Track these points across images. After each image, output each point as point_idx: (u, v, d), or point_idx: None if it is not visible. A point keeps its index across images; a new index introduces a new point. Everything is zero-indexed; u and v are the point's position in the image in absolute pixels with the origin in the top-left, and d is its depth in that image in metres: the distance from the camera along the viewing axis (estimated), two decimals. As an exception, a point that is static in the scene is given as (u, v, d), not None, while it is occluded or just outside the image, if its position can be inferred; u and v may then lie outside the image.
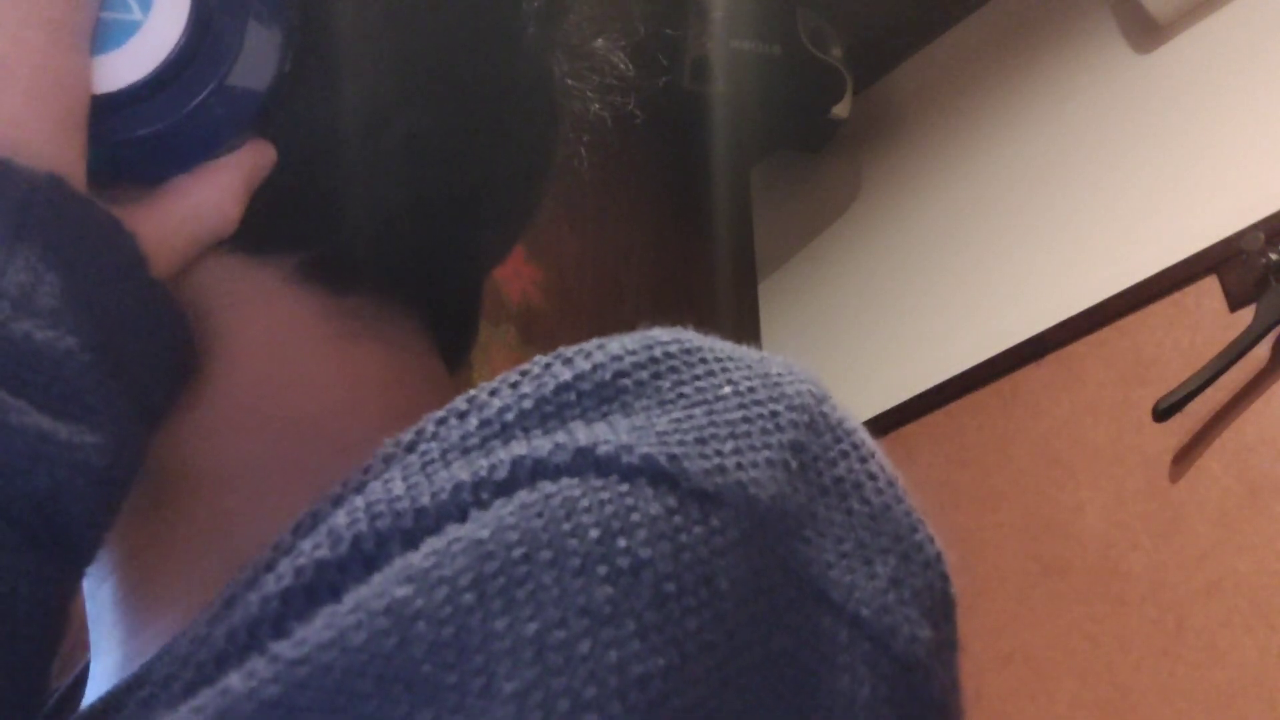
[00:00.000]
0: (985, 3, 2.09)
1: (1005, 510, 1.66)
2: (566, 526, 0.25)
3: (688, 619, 0.24)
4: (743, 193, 2.33)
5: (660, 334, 0.31)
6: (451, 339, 0.43)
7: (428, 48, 0.40)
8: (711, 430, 0.28)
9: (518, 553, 0.24)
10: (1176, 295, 1.61)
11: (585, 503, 0.25)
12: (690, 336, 0.31)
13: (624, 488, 0.26)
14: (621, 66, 0.47)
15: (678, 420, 0.28)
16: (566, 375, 0.29)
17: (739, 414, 0.29)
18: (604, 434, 0.27)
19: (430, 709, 0.22)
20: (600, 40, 0.47)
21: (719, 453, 0.27)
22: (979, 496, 1.69)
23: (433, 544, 0.25)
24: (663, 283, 2.04)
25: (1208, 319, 1.57)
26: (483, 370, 1.56)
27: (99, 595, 0.38)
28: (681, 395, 0.29)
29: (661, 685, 0.23)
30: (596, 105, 0.47)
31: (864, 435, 0.31)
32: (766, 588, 0.26)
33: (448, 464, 0.27)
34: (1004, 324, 1.78)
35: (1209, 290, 1.58)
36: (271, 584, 0.26)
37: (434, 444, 0.28)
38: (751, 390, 0.30)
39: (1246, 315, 1.51)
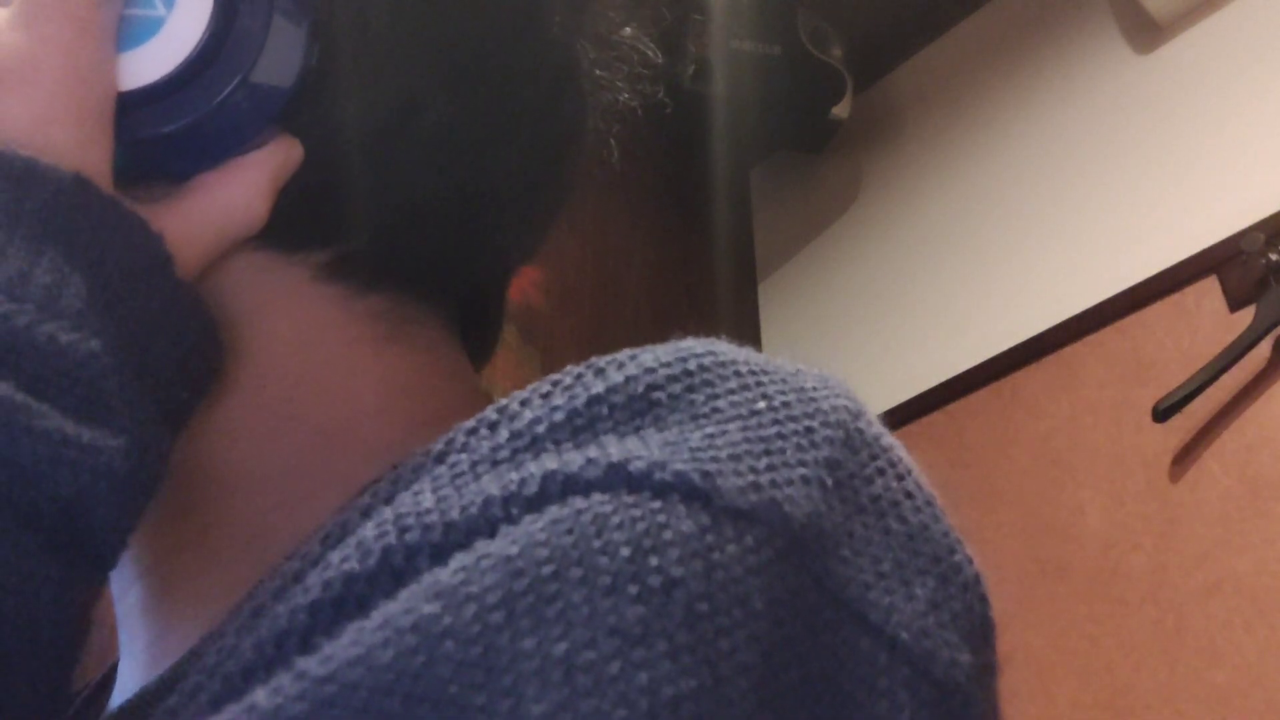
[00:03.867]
0: (985, 3, 2.09)
1: (1005, 510, 1.66)
2: (597, 544, 0.24)
3: (721, 640, 0.24)
4: (743, 193, 2.33)
5: (694, 345, 0.30)
6: (476, 337, 0.43)
7: (453, 40, 0.39)
8: (746, 446, 0.27)
9: (547, 570, 0.24)
10: (1176, 296, 1.61)
11: (617, 520, 0.25)
12: (724, 348, 0.31)
13: (656, 505, 0.25)
14: (650, 55, 0.46)
15: (711, 435, 0.27)
16: (599, 387, 0.28)
17: (773, 430, 0.28)
18: (636, 449, 0.26)
19: None
20: (629, 29, 0.46)
21: (753, 469, 0.27)
22: (979, 496, 1.68)
23: (461, 560, 0.24)
24: (663, 283, 2.04)
25: (1208, 319, 1.57)
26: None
27: (128, 598, 0.38)
28: (715, 410, 0.28)
29: (694, 708, 0.23)
30: (625, 95, 0.46)
31: (901, 452, 0.31)
32: (804, 609, 0.26)
33: (477, 476, 0.27)
34: (1004, 324, 1.78)
35: (1209, 291, 1.58)
36: (300, 596, 0.25)
37: (464, 455, 0.28)
38: (786, 405, 0.29)
39: (1246, 316, 1.51)
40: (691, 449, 0.27)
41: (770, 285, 2.20)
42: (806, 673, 0.25)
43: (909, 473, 0.30)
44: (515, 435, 0.28)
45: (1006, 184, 1.91)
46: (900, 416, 1.81)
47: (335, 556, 0.26)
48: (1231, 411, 1.50)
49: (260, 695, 0.23)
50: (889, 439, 0.31)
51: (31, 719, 0.27)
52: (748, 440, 0.28)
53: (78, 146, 0.32)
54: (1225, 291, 1.56)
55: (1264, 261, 1.49)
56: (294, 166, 0.37)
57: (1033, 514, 1.63)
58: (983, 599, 0.30)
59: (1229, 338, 1.49)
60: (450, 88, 0.39)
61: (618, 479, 0.26)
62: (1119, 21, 1.87)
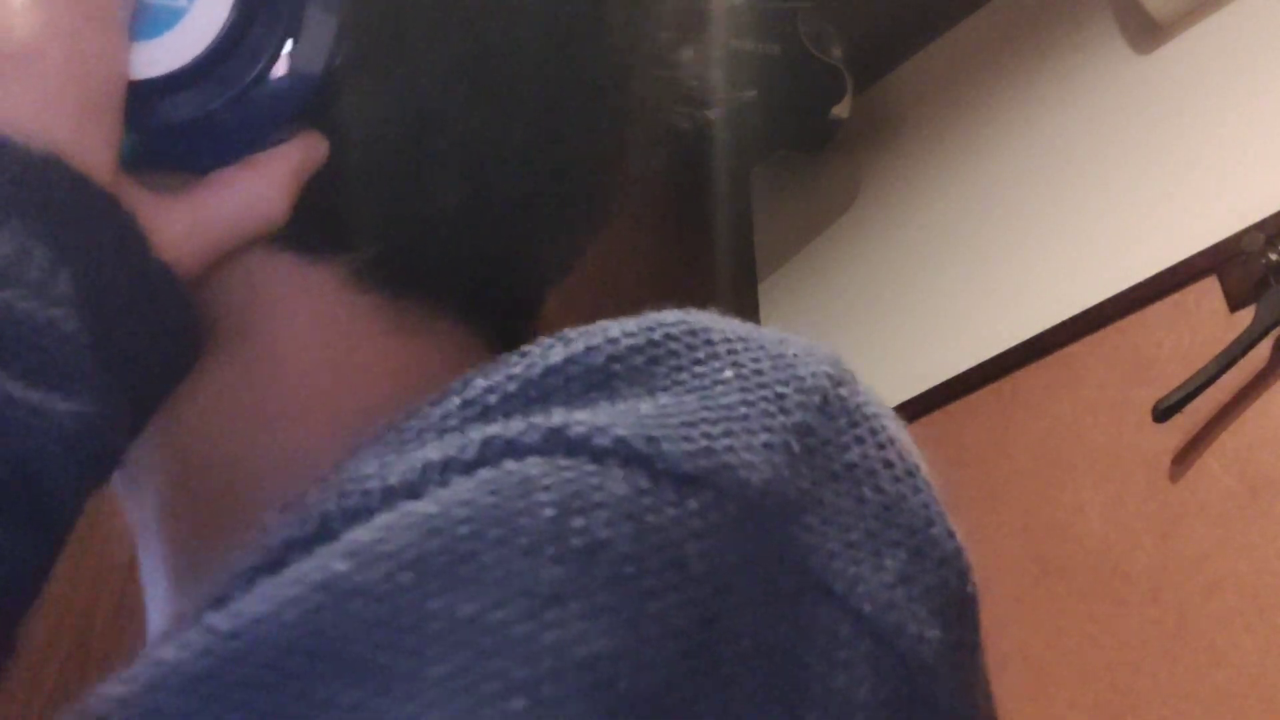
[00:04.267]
0: (985, 3, 2.09)
1: (1005, 510, 1.66)
2: (521, 505, 0.24)
3: (649, 601, 0.23)
4: (743, 193, 2.33)
5: (666, 316, 0.30)
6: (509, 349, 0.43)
7: (488, 50, 0.39)
8: (704, 414, 0.26)
9: (464, 530, 0.23)
10: (1176, 295, 1.61)
11: (546, 481, 0.24)
12: (699, 318, 0.30)
13: (591, 468, 0.25)
14: (703, 78, 0.46)
15: (665, 405, 0.27)
16: (557, 358, 0.28)
17: (738, 397, 0.27)
18: (581, 417, 0.26)
19: (357, 691, 0.21)
20: (686, 51, 0.45)
21: (707, 435, 0.26)
22: (979, 496, 1.68)
23: (382, 519, 0.24)
24: (663, 283, 2.04)
25: (1208, 319, 1.57)
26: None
27: (155, 590, 0.38)
28: (677, 381, 0.28)
29: (610, 668, 0.22)
30: (676, 117, 0.46)
31: (886, 421, 0.30)
32: (759, 576, 0.25)
33: (423, 444, 0.26)
34: (1004, 324, 1.78)
35: (1209, 291, 1.58)
36: (240, 562, 0.25)
37: (414, 423, 0.27)
38: (758, 373, 0.28)
39: (1246, 316, 1.50)
40: (640, 416, 0.26)
41: (770, 285, 2.20)
42: (760, 642, 0.24)
43: (891, 442, 0.30)
44: (467, 404, 0.27)
45: (1006, 184, 1.90)
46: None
47: (278, 522, 0.26)
48: (1231, 411, 1.50)
49: (168, 649, 0.23)
50: (875, 408, 0.30)
51: None
52: (706, 408, 0.27)
53: (75, 133, 0.32)
54: (1225, 291, 1.56)
55: (1264, 261, 1.49)
56: (317, 164, 0.37)
57: (1033, 514, 1.63)
58: (961, 574, 0.29)
59: (1229, 338, 1.49)
60: (481, 98, 0.39)
61: (556, 443, 0.25)
62: (1119, 21, 1.87)
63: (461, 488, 0.24)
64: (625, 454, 0.25)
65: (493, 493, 0.24)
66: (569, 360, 0.28)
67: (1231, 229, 1.56)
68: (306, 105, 0.36)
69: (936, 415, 1.79)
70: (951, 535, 0.29)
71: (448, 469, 0.25)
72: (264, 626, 0.22)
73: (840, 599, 0.26)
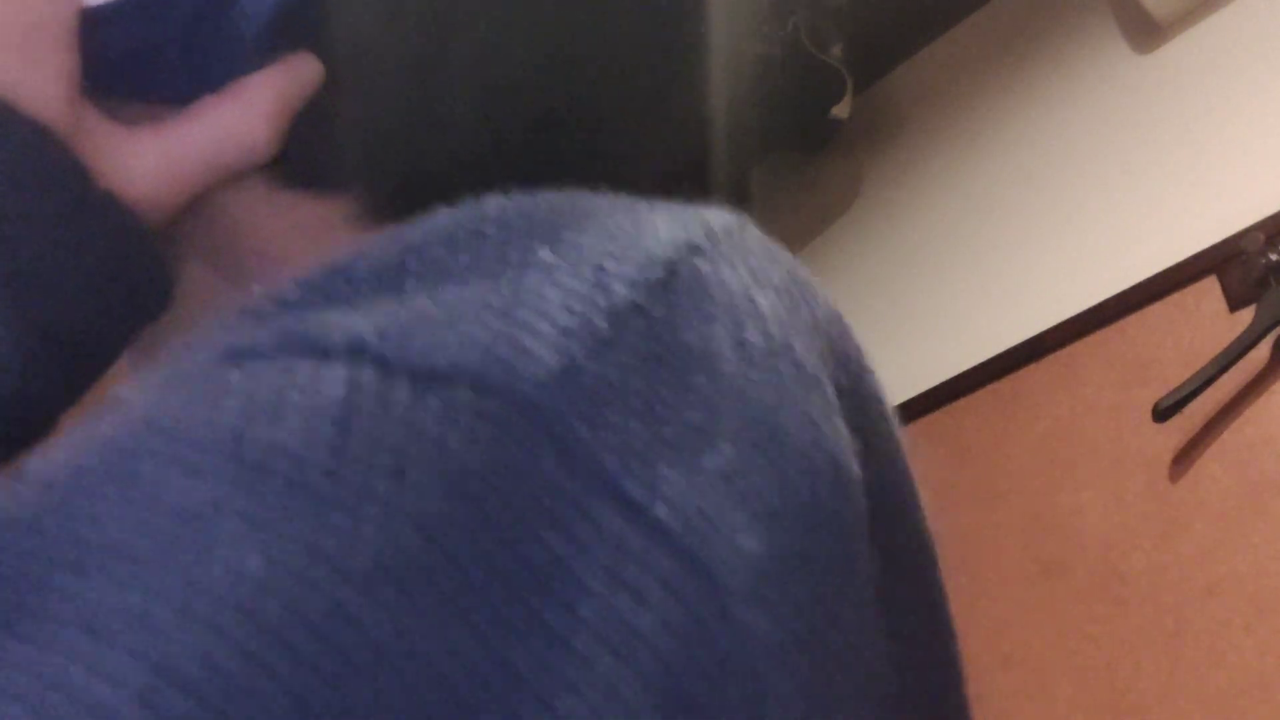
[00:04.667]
0: (985, 3, 2.09)
1: (1005, 510, 1.66)
2: (201, 414, 0.21)
3: (332, 513, 0.20)
4: (743, 193, 2.32)
5: (505, 199, 0.26)
6: None
7: None
8: (487, 302, 0.23)
9: (130, 443, 0.21)
10: (1176, 296, 1.61)
11: (245, 386, 0.21)
12: (546, 197, 0.26)
13: (305, 367, 0.22)
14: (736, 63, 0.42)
15: (444, 298, 0.23)
16: (373, 252, 0.25)
17: (542, 278, 0.24)
18: (333, 316, 0.23)
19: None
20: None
21: (482, 325, 0.22)
22: (979, 496, 1.68)
23: (72, 439, 0.22)
24: (663, 283, 2.03)
25: (1208, 319, 1.57)
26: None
27: None
28: (476, 269, 0.24)
29: (253, 592, 0.19)
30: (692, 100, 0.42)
31: (755, 295, 0.26)
32: (528, 484, 0.21)
33: (193, 355, 0.24)
34: (1004, 324, 1.78)
35: (1209, 291, 1.58)
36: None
37: (265, 302, 0.25)
38: (582, 248, 0.25)
39: (1246, 316, 1.50)
40: (404, 311, 0.23)
41: (770, 285, 2.20)
42: (521, 561, 0.21)
43: (755, 319, 0.25)
44: (306, 285, 0.25)
45: (1006, 184, 1.90)
46: (900, 416, 1.80)
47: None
48: (1231, 411, 1.50)
49: None
50: (739, 283, 0.26)
51: None
52: (494, 294, 0.23)
53: (19, 66, 0.31)
54: (1225, 291, 1.56)
55: (1264, 261, 1.49)
56: (307, 90, 0.34)
57: (1033, 514, 1.63)
58: (813, 471, 0.24)
59: (1229, 338, 1.49)
60: (493, 19, 0.35)
61: (285, 345, 0.22)
62: (1119, 21, 1.87)
63: (154, 391, 0.22)
64: (356, 349, 0.22)
65: (182, 404, 0.22)
66: (364, 256, 0.25)
67: (1231, 229, 1.57)
68: (291, 23, 0.33)
69: (936, 415, 1.79)
70: (812, 424, 0.25)
71: (170, 387, 0.23)
72: None
73: (635, 506, 0.22)
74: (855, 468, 0.26)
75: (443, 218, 0.26)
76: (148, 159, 0.32)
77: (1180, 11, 1.77)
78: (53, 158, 0.31)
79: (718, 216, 0.27)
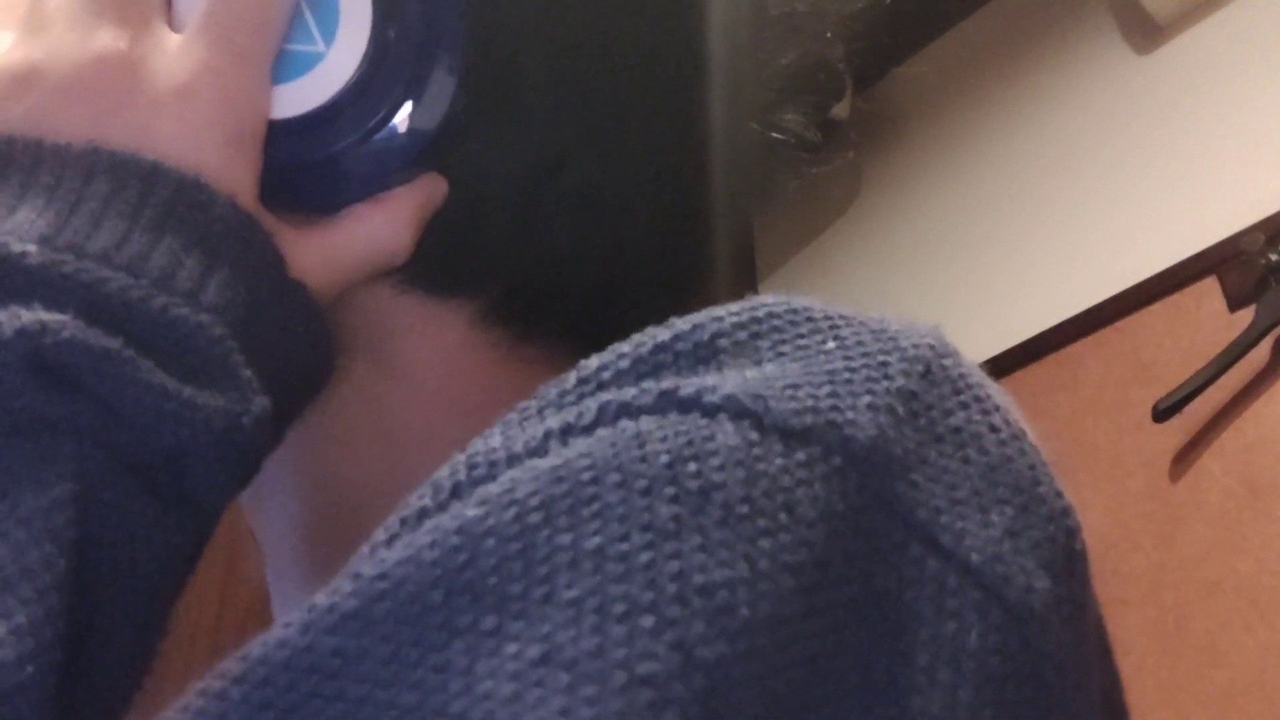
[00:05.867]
0: (985, 3, 2.09)
1: (1005, 510, 1.66)
2: (637, 454, 0.25)
3: (761, 539, 0.25)
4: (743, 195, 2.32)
5: (768, 298, 0.32)
6: None
7: (605, 100, 0.41)
8: (808, 379, 0.28)
9: (586, 475, 0.25)
10: (1176, 296, 1.61)
11: (660, 434, 0.26)
12: (801, 300, 0.32)
13: (703, 422, 0.26)
14: (809, 137, 0.50)
15: (769, 372, 0.28)
16: (665, 336, 0.30)
17: (841, 364, 0.29)
18: (692, 381, 0.27)
19: (495, 616, 0.23)
20: (789, 114, 0.48)
21: (813, 396, 0.27)
22: (979, 497, 1.68)
23: (509, 474, 0.26)
24: (663, 283, 2.04)
25: (1208, 319, 1.57)
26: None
27: (286, 610, 0.41)
28: (780, 353, 0.29)
29: (728, 595, 0.24)
30: (780, 172, 0.49)
31: (990, 390, 0.31)
32: (867, 527, 0.26)
33: (544, 418, 0.28)
34: (1004, 324, 1.78)
35: (1209, 291, 1.58)
36: (380, 535, 0.27)
37: (533, 402, 0.29)
38: (860, 344, 0.30)
39: (1246, 316, 1.50)
40: (747, 379, 0.28)
41: (770, 285, 2.20)
42: (870, 589, 0.26)
43: (997, 409, 0.31)
44: (582, 380, 0.29)
45: (1006, 184, 1.90)
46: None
47: (413, 498, 0.27)
48: (1231, 411, 1.50)
49: (319, 596, 0.25)
50: (979, 378, 0.31)
51: (127, 649, 0.31)
52: (810, 373, 0.28)
53: (222, 166, 0.35)
54: (1225, 291, 1.56)
55: (1264, 261, 1.49)
56: (438, 203, 0.39)
57: (1033, 514, 1.63)
58: (1069, 531, 0.30)
59: (1229, 338, 1.49)
60: (597, 146, 0.41)
61: (669, 402, 0.27)
62: (1119, 21, 1.87)
63: (581, 444, 0.26)
64: (735, 409, 0.26)
65: (611, 445, 0.26)
66: (677, 337, 0.30)
67: (1231, 229, 1.56)
68: (426, 152, 0.39)
69: (936, 415, 1.79)
70: (1059, 494, 0.30)
71: (567, 433, 0.27)
72: (406, 568, 0.24)
73: (947, 551, 0.27)
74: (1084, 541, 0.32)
75: (733, 308, 0.31)
76: (310, 256, 0.37)
77: (1180, 11, 1.77)
78: (264, 246, 0.35)
79: (931, 324, 0.33)
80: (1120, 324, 1.66)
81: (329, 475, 0.41)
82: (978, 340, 1.80)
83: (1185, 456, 1.52)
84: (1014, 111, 1.95)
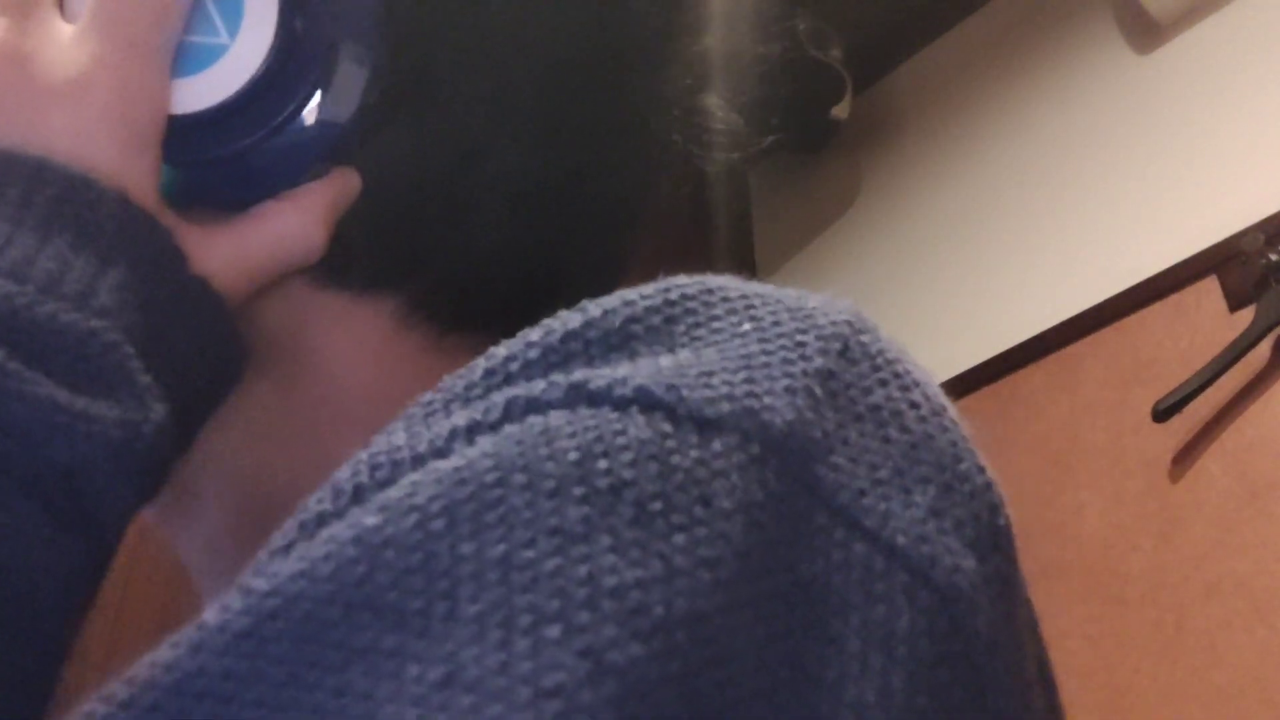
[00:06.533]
0: (985, 3, 2.09)
1: (1005, 510, 1.66)
2: (544, 452, 0.24)
3: (676, 535, 0.24)
4: (742, 193, 2.33)
5: (681, 278, 0.31)
6: None
7: (520, 92, 0.40)
8: (722, 364, 0.27)
9: (490, 478, 0.24)
10: (1176, 296, 1.61)
11: (569, 430, 0.25)
12: (716, 280, 0.31)
13: (613, 415, 0.25)
14: (732, 122, 0.48)
15: (683, 359, 0.27)
16: (575, 323, 0.29)
17: (757, 347, 0.28)
18: (603, 372, 0.27)
19: (396, 635, 0.22)
20: (711, 98, 0.47)
21: (728, 383, 0.26)
22: (979, 497, 1.68)
23: (411, 477, 0.25)
24: (662, 283, 2.04)
25: (1208, 319, 1.57)
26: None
27: None
28: (695, 337, 0.28)
29: (641, 595, 0.23)
30: (701, 158, 0.47)
31: (910, 365, 0.31)
32: (790, 514, 0.25)
33: (449, 413, 0.27)
34: (1004, 324, 1.78)
35: (1209, 291, 1.58)
36: (277, 540, 0.26)
37: (439, 395, 0.28)
38: (776, 324, 0.29)
39: (1246, 316, 1.50)
40: (660, 368, 0.27)
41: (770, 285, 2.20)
42: (797, 577, 0.25)
43: (916, 385, 0.30)
44: (489, 373, 0.28)
45: (1006, 184, 1.90)
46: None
47: (311, 500, 0.26)
48: (1231, 411, 1.50)
49: (209, 614, 0.23)
50: (897, 353, 0.31)
51: (27, 677, 0.28)
52: (725, 358, 0.27)
53: (116, 162, 0.34)
54: (1225, 291, 1.56)
55: (1264, 261, 1.49)
56: (351, 198, 0.38)
57: (1033, 514, 1.63)
58: (993, 507, 0.29)
59: (1229, 338, 1.49)
60: (517, 137, 0.40)
61: (577, 396, 0.26)
62: (1119, 21, 1.87)
63: (487, 443, 0.25)
64: (646, 401, 0.25)
65: (518, 443, 0.25)
66: (587, 324, 0.28)
67: (1231, 229, 1.56)
68: (338, 146, 0.37)
69: (936, 415, 1.79)
70: (981, 470, 0.30)
71: (474, 430, 0.26)
72: (299, 582, 0.23)
73: (872, 533, 0.26)
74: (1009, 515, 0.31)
75: (645, 290, 0.30)
76: (217, 255, 0.36)
77: (1180, 11, 1.77)
78: (162, 244, 0.34)
79: (849, 302, 0.32)
80: (1120, 324, 1.66)
81: (255, 476, 0.39)
82: (977, 340, 1.80)
83: (1185, 456, 1.52)
84: (1014, 111, 1.95)
